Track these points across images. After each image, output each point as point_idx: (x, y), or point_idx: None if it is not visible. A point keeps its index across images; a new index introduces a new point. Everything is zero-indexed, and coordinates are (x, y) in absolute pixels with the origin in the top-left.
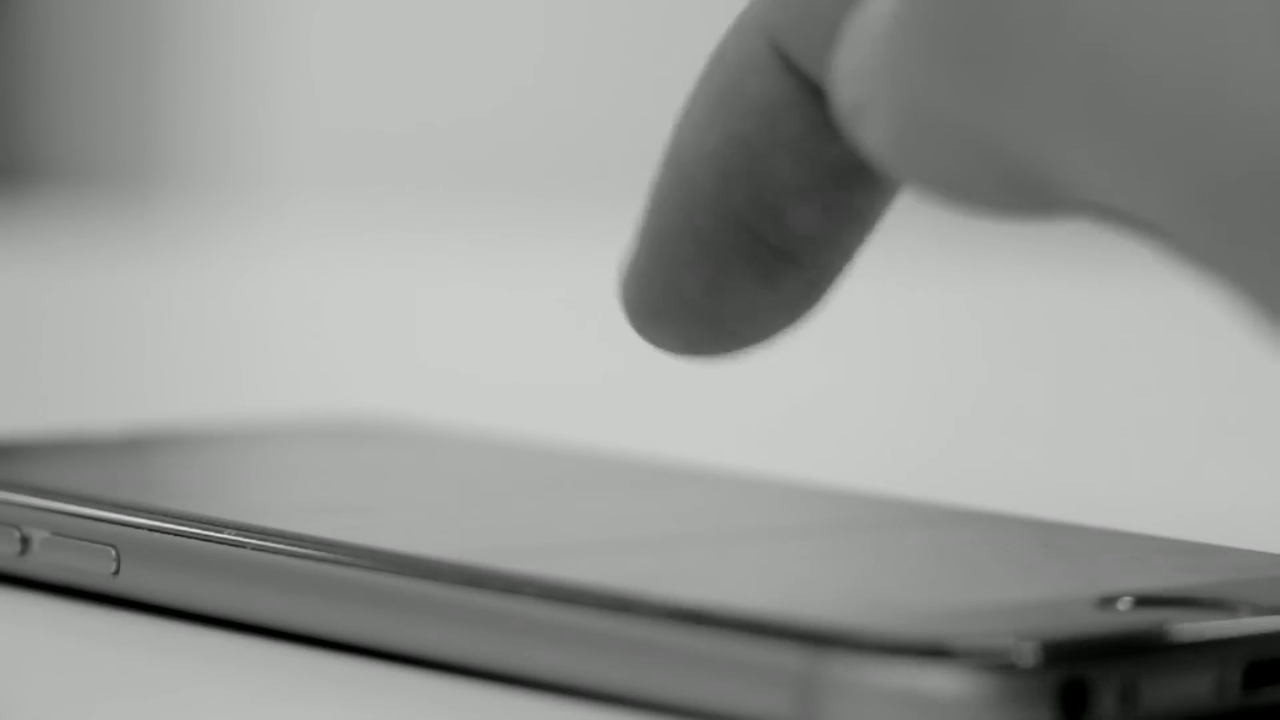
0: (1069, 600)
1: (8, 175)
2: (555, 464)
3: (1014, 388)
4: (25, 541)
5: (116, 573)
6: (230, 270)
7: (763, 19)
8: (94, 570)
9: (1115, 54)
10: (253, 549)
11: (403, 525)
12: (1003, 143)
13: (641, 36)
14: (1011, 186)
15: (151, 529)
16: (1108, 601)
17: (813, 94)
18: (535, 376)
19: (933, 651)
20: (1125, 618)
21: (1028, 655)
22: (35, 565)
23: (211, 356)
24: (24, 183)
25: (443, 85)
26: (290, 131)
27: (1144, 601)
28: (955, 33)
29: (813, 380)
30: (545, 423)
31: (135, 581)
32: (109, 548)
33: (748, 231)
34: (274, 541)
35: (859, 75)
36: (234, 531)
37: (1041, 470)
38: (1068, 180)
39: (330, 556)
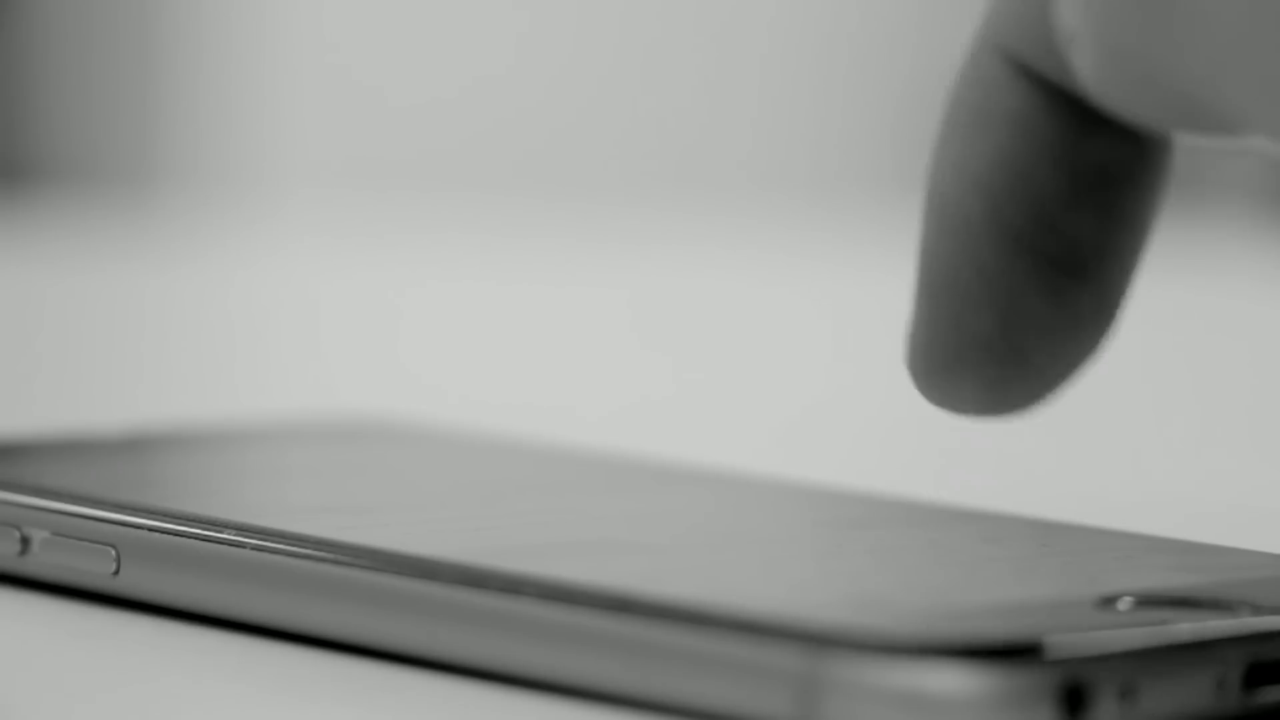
0: (1069, 600)
1: (8, 175)
2: (555, 464)
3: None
4: (25, 541)
5: (116, 573)
6: (230, 270)
7: (997, 38)
8: (94, 570)
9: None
10: (253, 549)
11: (403, 525)
12: (1179, 77)
13: (640, 36)
14: (1191, 116)
15: (151, 529)
16: (1108, 601)
17: (1061, 99)
18: (535, 377)
19: (933, 651)
20: (1125, 618)
21: (1028, 655)
22: (35, 565)
23: (211, 356)
24: (24, 183)
25: (443, 85)
26: (290, 131)
27: (1144, 601)
28: None
29: (813, 381)
30: (545, 423)
31: (135, 581)
32: (109, 548)
33: (1031, 252)
34: (274, 541)
35: (1073, 8)
36: (234, 531)
37: (1041, 470)
38: (1238, 114)
39: (330, 556)
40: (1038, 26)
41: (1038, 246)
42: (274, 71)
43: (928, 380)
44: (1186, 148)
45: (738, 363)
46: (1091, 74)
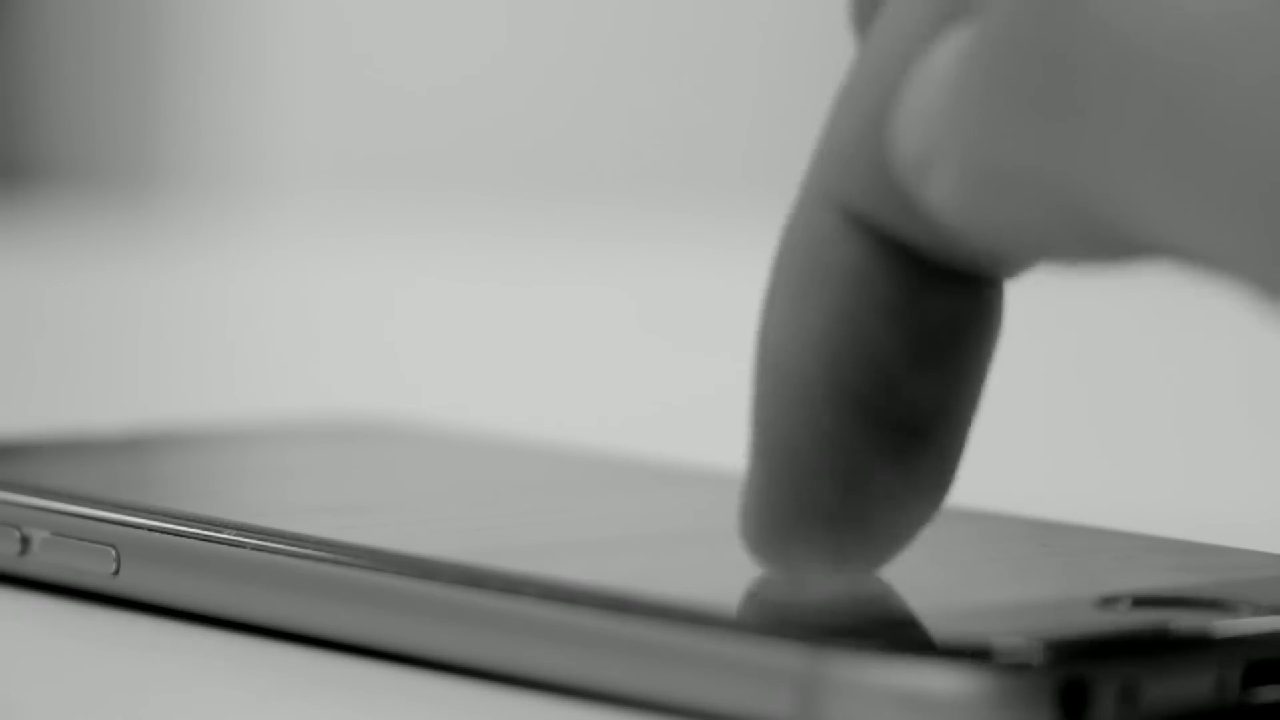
0: (1069, 600)
1: (8, 175)
2: (555, 464)
3: (1014, 388)
4: (25, 541)
5: (116, 573)
6: (230, 270)
7: (827, 189)
8: (94, 570)
9: (1191, 99)
10: (253, 549)
11: (403, 525)
12: (1077, 188)
13: (637, 37)
14: (1086, 234)
15: (151, 529)
16: (1108, 601)
17: (897, 251)
18: (535, 377)
19: (933, 651)
20: (1125, 618)
21: (1028, 655)
22: (35, 565)
23: (211, 356)
24: (24, 183)
25: (443, 85)
26: (290, 131)
27: (1144, 601)
28: (1026, 78)
29: None
30: (545, 423)
31: (135, 581)
32: (109, 548)
33: (870, 414)
34: (274, 541)
35: (924, 126)
36: (234, 531)
37: (1041, 470)
38: (1144, 225)
39: (330, 556)
40: (872, 169)
41: (878, 409)
42: (274, 72)
43: (769, 551)
44: None
45: (737, 363)
46: (951, 200)
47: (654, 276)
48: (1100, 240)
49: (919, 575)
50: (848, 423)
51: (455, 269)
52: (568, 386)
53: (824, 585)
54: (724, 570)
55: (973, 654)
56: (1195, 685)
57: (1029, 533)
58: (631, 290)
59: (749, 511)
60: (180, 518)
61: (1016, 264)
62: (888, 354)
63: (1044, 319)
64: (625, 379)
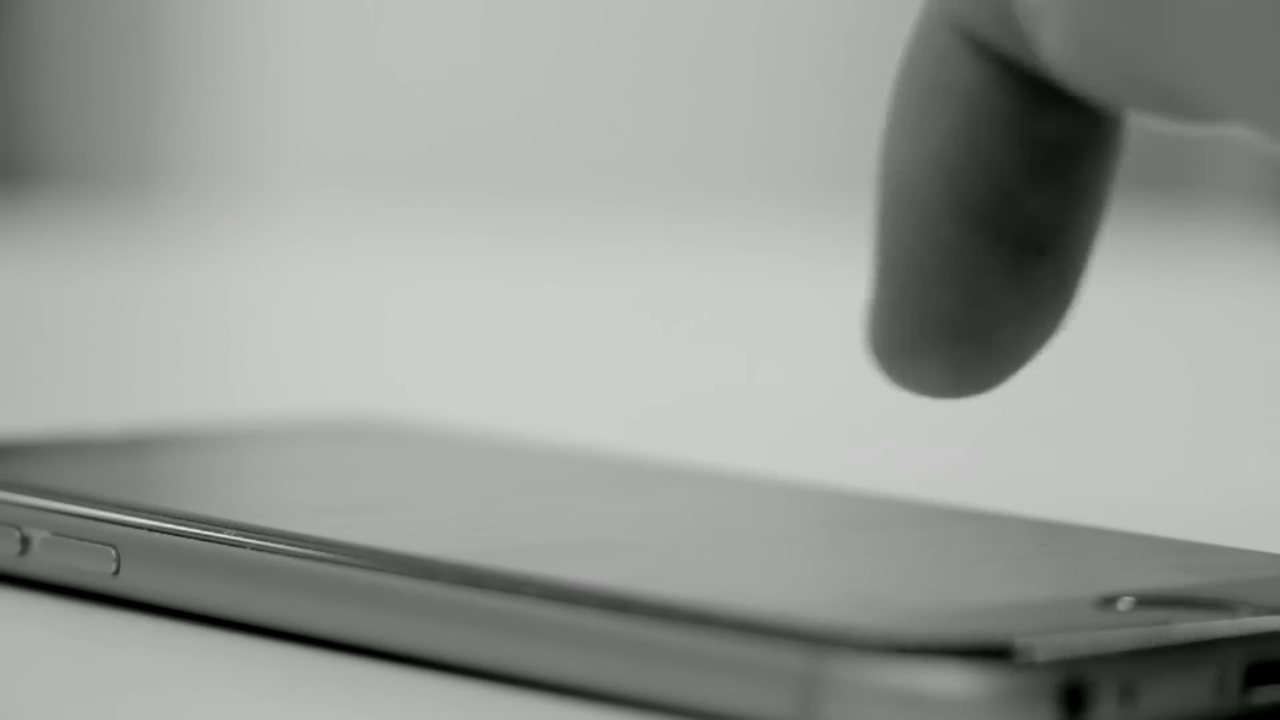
0: (1069, 600)
1: (8, 175)
2: (555, 464)
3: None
4: (25, 541)
5: (116, 573)
6: (230, 270)
7: (947, 12)
8: (94, 570)
9: None
10: (253, 549)
11: (403, 525)
12: (1155, 65)
13: (635, 38)
14: (1165, 103)
15: (151, 529)
16: (1108, 601)
17: (1015, 72)
18: (536, 376)
19: (933, 651)
20: (1125, 618)
21: (1028, 655)
22: (35, 565)
23: (211, 356)
24: (24, 183)
25: (443, 85)
26: (290, 132)
27: (1144, 601)
28: None
29: (814, 382)
30: (545, 423)
31: (135, 581)
32: (109, 548)
33: (991, 228)
34: (274, 541)
35: None
36: (234, 531)
37: (1041, 470)
38: (1214, 101)
39: (330, 556)
40: (992, 3)
41: (998, 223)
42: (274, 72)
43: (889, 360)
44: (1182, 145)
45: (739, 363)
46: (1059, 54)
47: (653, 276)
48: (1177, 109)
49: (919, 575)
50: (968, 236)
51: (454, 269)
52: (568, 386)
53: (824, 585)
54: (724, 570)
55: (973, 654)
56: (1195, 685)
57: (1029, 533)
58: (631, 290)
59: (874, 324)
60: (180, 518)
61: (1116, 112)
62: (1006, 169)
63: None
64: (625, 379)
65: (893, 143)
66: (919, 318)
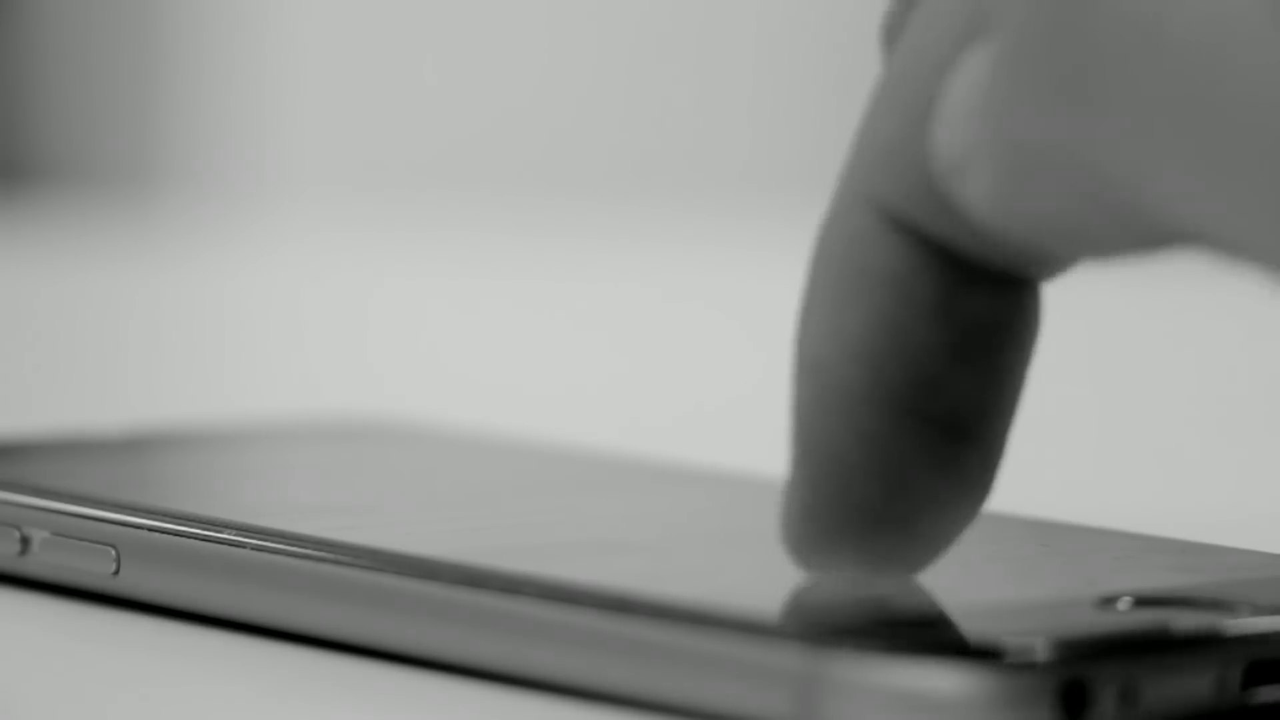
0: (1069, 600)
1: (8, 175)
2: (555, 464)
3: None
4: (25, 541)
5: (116, 573)
6: (230, 270)
7: (864, 191)
8: (94, 570)
9: (1209, 82)
10: (253, 549)
11: (403, 525)
12: (1104, 173)
13: (634, 38)
14: (1115, 221)
15: (151, 529)
16: (1108, 601)
17: (937, 252)
18: (536, 376)
19: (933, 651)
20: (1125, 618)
21: (1028, 655)
22: (35, 565)
23: (211, 356)
24: (24, 183)
25: (442, 88)
26: (290, 132)
27: (1144, 601)
28: (1052, 70)
29: None
30: (545, 423)
31: (135, 581)
32: (109, 548)
33: (913, 416)
34: (274, 541)
35: (959, 126)
36: (234, 531)
37: (1041, 470)
38: (1168, 209)
39: (330, 556)
40: (911, 172)
41: (921, 410)
42: (273, 73)
43: (806, 553)
44: None
45: (738, 363)
46: (988, 196)
47: (653, 276)
48: (1129, 228)
49: (919, 575)
50: (890, 424)
51: (454, 269)
52: (567, 386)
53: (824, 585)
54: (724, 570)
55: (973, 654)
56: (1195, 685)
57: (1029, 533)
58: (631, 290)
59: (791, 515)
60: (180, 518)
61: (1053, 261)
62: (929, 354)
63: (1043, 319)
64: (625, 379)
65: (811, 328)
66: (840, 511)
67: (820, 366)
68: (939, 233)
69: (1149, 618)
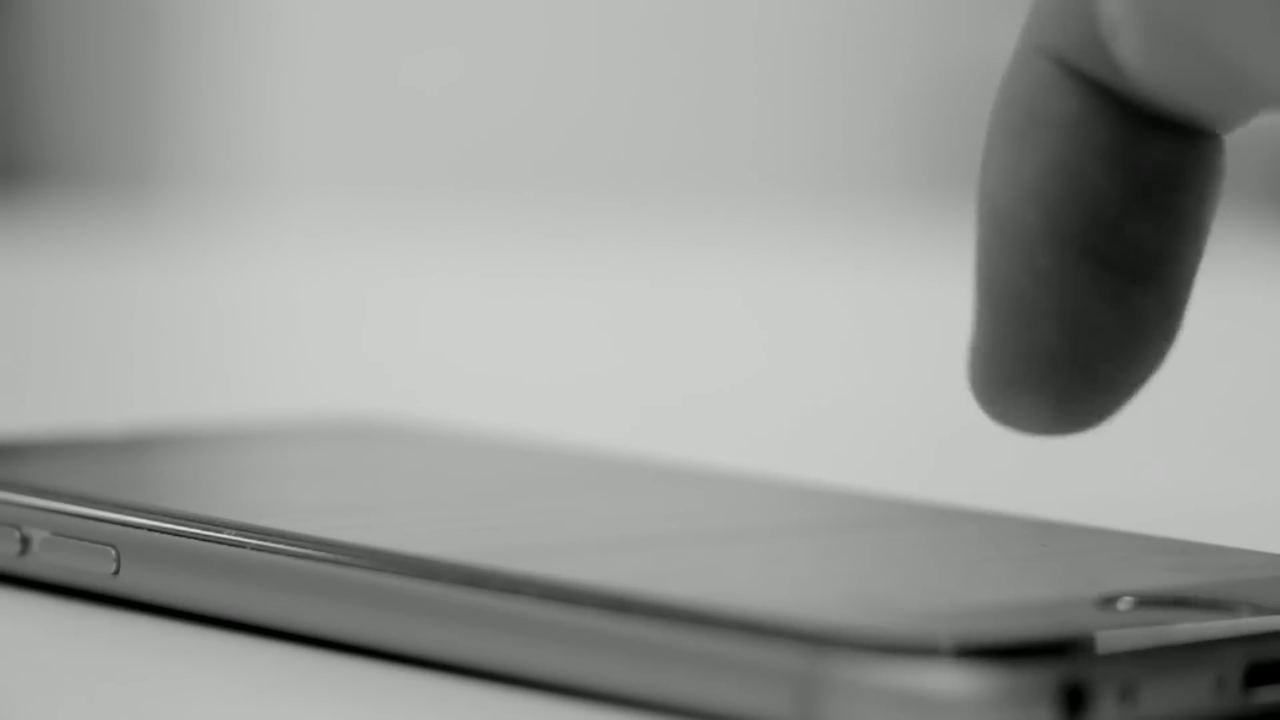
0: (1069, 600)
1: (8, 175)
2: (555, 464)
3: None
4: (25, 541)
5: (116, 573)
6: (229, 270)
7: (1041, 39)
8: (94, 570)
9: None
10: (253, 549)
11: (403, 525)
12: (1218, 42)
13: (634, 37)
14: (1230, 87)
15: (151, 529)
16: (1108, 601)
17: (1113, 100)
18: (536, 376)
19: (933, 651)
20: (1125, 618)
21: (1028, 655)
22: (35, 565)
23: (210, 356)
24: (24, 183)
25: (441, 87)
26: (290, 132)
27: (1144, 601)
28: None
29: (814, 382)
30: (545, 422)
31: (135, 581)
32: (109, 548)
33: (1092, 258)
34: (274, 541)
35: None
36: (234, 531)
37: (1041, 470)
38: (1271, 77)
39: (330, 556)
40: (1082, 23)
41: (1099, 252)
42: (273, 73)
43: (991, 397)
44: None
45: (738, 363)
46: (1136, 59)
47: (654, 276)
48: (1239, 92)
49: (919, 575)
50: (1069, 266)
51: (454, 269)
52: (567, 386)
53: (824, 585)
54: (724, 570)
55: (973, 654)
56: (1195, 685)
57: (1029, 533)
58: (631, 290)
59: (975, 359)
60: (180, 518)
61: (1204, 121)
62: (1105, 198)
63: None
64: (625, 379)
65: (990, 174)
66: (1022, 352)
67: (999, 211)
68: (1112, 82)
69: (1149, 618)
